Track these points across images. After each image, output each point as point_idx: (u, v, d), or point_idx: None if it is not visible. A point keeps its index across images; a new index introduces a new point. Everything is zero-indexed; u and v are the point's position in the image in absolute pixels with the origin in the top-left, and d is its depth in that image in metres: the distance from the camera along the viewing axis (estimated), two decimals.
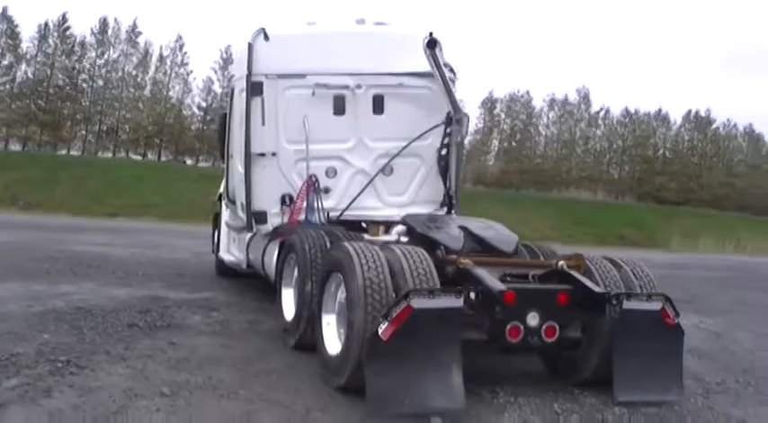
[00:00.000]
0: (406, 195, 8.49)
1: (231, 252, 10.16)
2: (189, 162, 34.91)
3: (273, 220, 8.11)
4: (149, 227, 19.33)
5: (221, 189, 10.91)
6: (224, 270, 10.69)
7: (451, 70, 8.40)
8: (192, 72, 34.72)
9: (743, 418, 5.38)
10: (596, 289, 5.34)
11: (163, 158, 34.66)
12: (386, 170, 8.36)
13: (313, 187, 8.04)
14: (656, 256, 23.56)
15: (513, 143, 47.64)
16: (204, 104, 35.21)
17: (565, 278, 5.57)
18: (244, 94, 8.30)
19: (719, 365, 7.05)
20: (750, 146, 40.33)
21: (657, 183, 36.92)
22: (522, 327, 5.19)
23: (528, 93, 47.67)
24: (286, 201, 8.09)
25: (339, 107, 8.20)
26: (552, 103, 47.92)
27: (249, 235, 9.15)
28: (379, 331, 4.67)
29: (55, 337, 6.16)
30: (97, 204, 28.97)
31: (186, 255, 13.75)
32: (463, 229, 6.29)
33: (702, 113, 38.82)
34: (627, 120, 43.65)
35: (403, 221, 6.70)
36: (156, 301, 8.41)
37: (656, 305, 5.37)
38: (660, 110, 38.77)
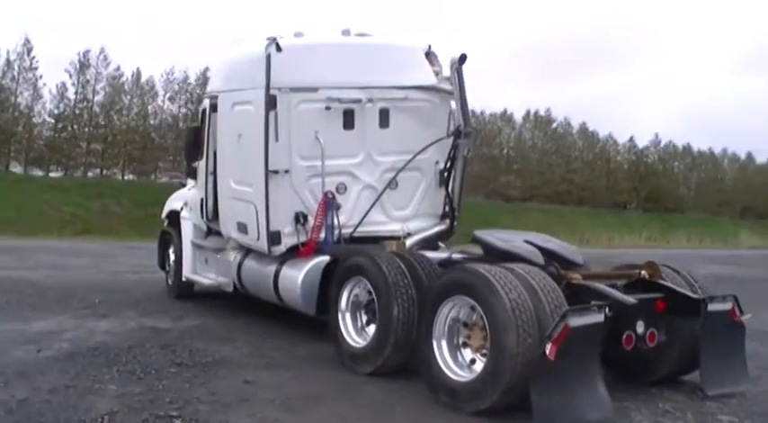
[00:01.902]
0: (410, 209, 8.47)
1: (204, 274, 9.55)
2: (39, 173, 31.83)
3: (287, 241, 7.78)
4: (18, 245, 17.43)
5: (179, 205, 10.24)
6: (184, 291, 10.06)
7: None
8: (41, 77, 31.91)
9: None
10: (693, 295, 5.77)
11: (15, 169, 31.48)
12: (392, 184, 8.31)
13: (330, 204, 7.83)
14: None
15: None
16: (57, 111, 32.36)
17: (649, 286, 5.95)
18: (248, 107, 7.89)
19: None
20: (585, 143, 44.15)
21: (504, 181, 39.29)
22: (633, 335, 5.51)
23: None
24: (300, 219, 7.79)
25: (348, 121, 8.02)
26: None
27: (236, 256, 8.71)
28: (546, 352, 4.77)
29: (122, 387, 5.54)
30: None
31: (106, 275, 12.64)
32: (530, 243, 6.48)
33: (542, 113, 42.17)
34: (474, 121, 45.96)
35: (476, 239, 6.72)
36: (157, 332, 7.79)
37: (728, 305, 5.91)
38: (506, 110, 41.35)
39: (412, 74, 8.32)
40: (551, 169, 41.55)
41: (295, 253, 7.77)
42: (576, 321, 4.91)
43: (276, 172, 7.65)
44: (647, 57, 73.13)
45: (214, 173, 8.96)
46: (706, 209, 45.32)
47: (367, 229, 8.07)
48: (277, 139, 7.61)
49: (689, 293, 5.81)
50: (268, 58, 7.46)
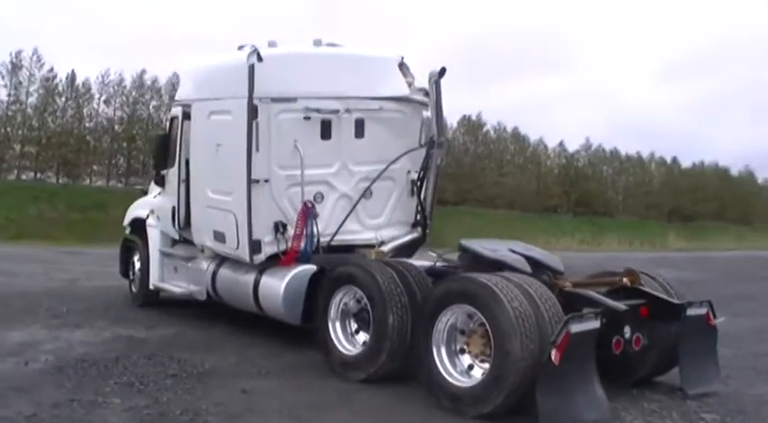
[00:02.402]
0: (383, 218, 8.60)
1: (174, 282, 9.43)
2: None
3: (267, 249, 7.79)
4: None
5: (145, 213, 10.08)
6: (149, 300, 9.92)
7: (426, 94, 8.69)
8: None
9: None
10: (674, 301, 6.13)
11: None
12: (366, 194, 8.43)
13: (309, 213, 7.89)
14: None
15: None
16: None
17: (631, 292, 6.28)
18: (227, 117, 7.87)
19: None
20: (517, 147, 45.13)
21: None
22: (622, 339, 5.82)
23: None
24: (279, 228, 7.82)
25: (326, 131, 8.10)
26: None
27: (210, 264, 8.66)
28: (552, 357, 5.01)
29: (126, 400, 5.49)
30: None
31: (61, 282, 12.28)
32: (514, 252, 6.73)
33: (474, 117, 42.90)
34: None
35: (464, 248, 6.91)
36: (136, 342, 7.70)
37: (703, 310, 6.30)
38: None
39: (387, 85, 8.46)
40: (483, 173, 42.28)
41: (274, 262, 7.81)
42: (576, 328, 5.19)
43: (257, 181, 7.65)
44: (578, 62, 75.37)
45: (186, 181, 8.90)
46: (634, 212, 47.02)
47: (342, 238, 8.15)
48: (258, 149, 7.62)
49: (670, 299, 6.16)
50: (251, 68, 7.47)
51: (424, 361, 5.84)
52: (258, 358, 7.19)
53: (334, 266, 7.04)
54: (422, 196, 8.57)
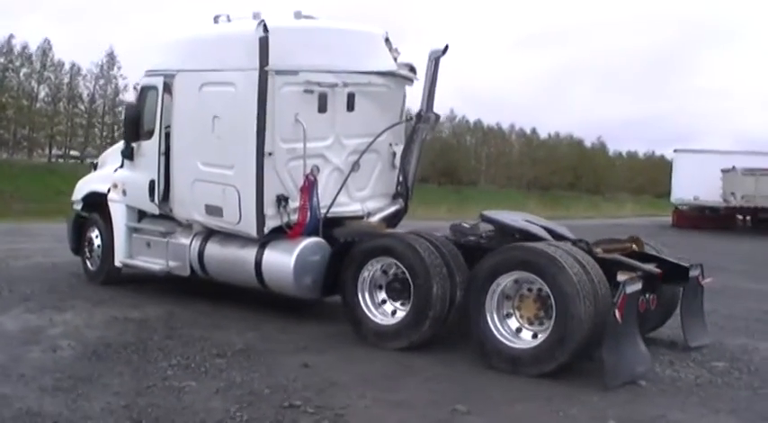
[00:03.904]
0: (368, 190, 8.74)
1: (146, 259, 9.04)
2: None
3: (270, 223, 7.74)
4: None
5: (104, 187, 9.53)
6: (112, 277, 9.47)
7: (412, 69, 8.91)
8: None
9: None
10: (683, 264, 6.84)
11: None
12: (355, 167, 8.56)
13: (313, 186, 7.91)
14: None
15: None
16: None
17: (642, 257, 6.92)
18: (228, 88, 7.69)
19: None
20: None
21: None
22: (645, 300, 6.46)
23: None
24: (281, 202, 7.80)
25: (323, 105, 8.08)
26: None
27: (193, 240, 8.45)
28: (616, 315, 5.54)
29: (203, 382, 5.40)
30: None
31: (22, 262, 11.48)
32: (530, 222, 7.19)
33: None
34: None
35: (487, 218, 7.22)
36: (139, 324, 7.38)
37: (697, 271, 7.10)
38: None
39: (376, 59, 8.57)
40: None
41: (275, 236, 7.78)
42: (630, 289, 5.77)
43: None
44: (441, 33, 77.34)
45: (167, 154, 8.56)
46: (496, 181, 49.59)
47: (333, 210, 8.25)
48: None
49: (680, 263, 6.88)
50: (264, 40, 7.33)
51: (476, 327, 6.18)
52: (277, 333, 7.18)
53: (363, 239, 7.16)
54: (406, 168, 8.84)
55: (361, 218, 8.42)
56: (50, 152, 34.34)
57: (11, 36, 31.44)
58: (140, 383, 5.30)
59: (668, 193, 32.13)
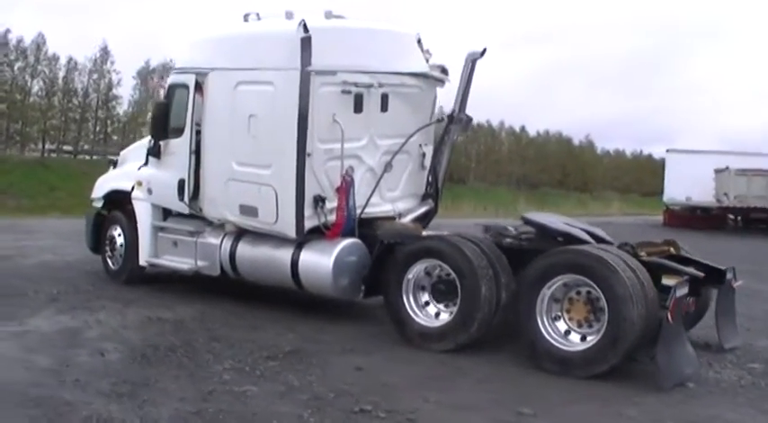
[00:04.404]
0: (399, 190, 8.78)
1: (174, 258, 8.97)
2: None
3: (307, 223, 7.74)
4: None
5: (128, 185, 9.43)
6: (135, 276, 9.40)
7: (444, 71, 8.96)
8: None
9: None
10: (720, 267, 6.94)
11: None
12: (387, 167, 8.58)
13: (350, 186, 7.91)
14: None
15: None
16: None
17: (680, 260, 7.00)
18: (266, 88, 7.66)
19: None
20: None
21: None
22: (687, 303, 6.56)
23: None
24: (318, 202, 7.80)
25: (358, 105, 8.09)
26: None
27: (224, 239, 8.42)
28: (669, 318, 5.68)
29: (264, 386, 5.41)
30: None
31: (33, 259, 11.34)
32: (571, 225, 7.26)
33: None
34: None
35: (529, 221, 7.27)
36: (176, 325, 7.33)
37: (731, 274, 7.20)
38: None
39: (409, 60, 8.61)
40: None
41: (312, 236, 7.79)
42: (679, 292, 5.87)
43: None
44: (430, 32, 76.90)
45: (197, 152, 8.53)
46: (486, 179, 49.79)
47: (365, 211, 8.27)
48: None
49: (717, 266, 6.98)
50: (307, 40, 7.33)
51: (527, 329, 6.25)
52: (316, 334, 7.17)
53: (408, 241, 7.19)
54: (436, 169, 8.89)
55: (392, 219, 8.44)
56: (44, 147, 33.98)
57: (7, 31, 31.17)
58: (200, 388, 5.27)
59: (655, 193, 32.57)
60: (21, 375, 5.39)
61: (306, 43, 7.35)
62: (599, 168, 56.14)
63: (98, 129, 35.91)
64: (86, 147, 35.03)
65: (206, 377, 5.56)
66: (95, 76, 34.88)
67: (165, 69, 37.01)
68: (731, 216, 29.72)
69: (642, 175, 55.43)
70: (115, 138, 35.68)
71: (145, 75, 36.23)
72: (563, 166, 52.39)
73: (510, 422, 4.91)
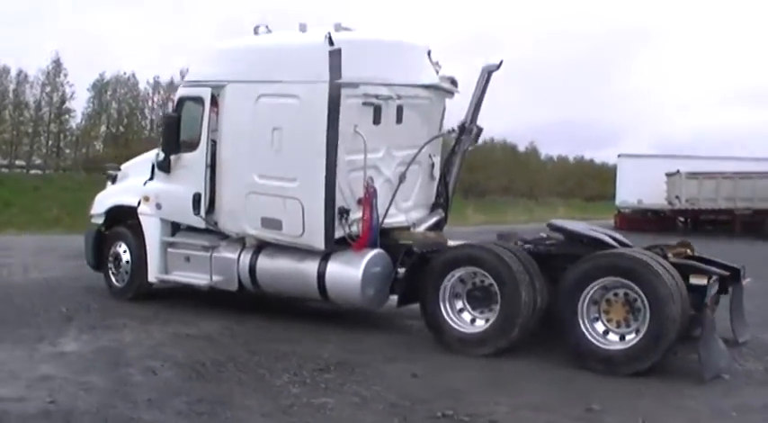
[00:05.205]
0: (411, 200, 8.93)
1: (187, 273, 8.87)
2: None
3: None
4: None
5: (134, 200, 9.26)
6: (142, 293, 9.27)
7: (454, 82, 9.16)
8: None
9: None
10: (736, 266, 7.34)
11: None
12: (402, 177, 8.72)
13: (373, 197, 8.01)
14: None
15: (122, 128, 44.33)
16: None
17: (698, 260, 7.34)
18: (290, 100, 7.71)
19: None
20: None
21: None
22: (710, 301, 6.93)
23: (134, 75, 44.87)
24: (343, 214, 7.88)
25: (377, 117, 8.22)
26: (157, 85, 46.17)
27: (243, 253, 8.39)
28: (709, 315, 6.07)
29: (333, 398, 5.44)
30: None
31: (21, 277, 11.05)
32: (595, 231, 7.55)
33: None
34: None
35: (557, 227, 7.51)
36: (208, 341, 7.30)
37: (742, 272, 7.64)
38: None
39: (421, 72, 8.80)
40: None
41: (339, 247, 7.86)
42: (712, 291, 6.25)
43: None
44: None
45: (212, 166, 8.49)
46: None
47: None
48: None
49: (734, 265, 7.38)
50: (336, 53, 7.42)
51: (570, 331, 6.49)
52: (351, 344, 7.26)
53: (443, 250, 7.35)
54: (446, 179, 9.10)
55: (407, 228, 8.58)
56: None
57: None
58: (278, 403, 5.28)
59: (598, 197, 33.45)
60: (86, 398, 5.28)
61: (335, 56, 7.44)
62: (543, 174, 57.42)
63: (50, 143, 34.83)
64: (38, 161, 33.89)
65: (276, 392, 5.56)
66: (48, 88, 33.86)
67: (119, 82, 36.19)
68: (681, 218, 30.89)
69: (584, 180, 56.99)
70: (68, 151, 34.66)
71: (99, 87, 35.25)
72: (509, 172, 53.40)
73: (586, 419, 5.11)
